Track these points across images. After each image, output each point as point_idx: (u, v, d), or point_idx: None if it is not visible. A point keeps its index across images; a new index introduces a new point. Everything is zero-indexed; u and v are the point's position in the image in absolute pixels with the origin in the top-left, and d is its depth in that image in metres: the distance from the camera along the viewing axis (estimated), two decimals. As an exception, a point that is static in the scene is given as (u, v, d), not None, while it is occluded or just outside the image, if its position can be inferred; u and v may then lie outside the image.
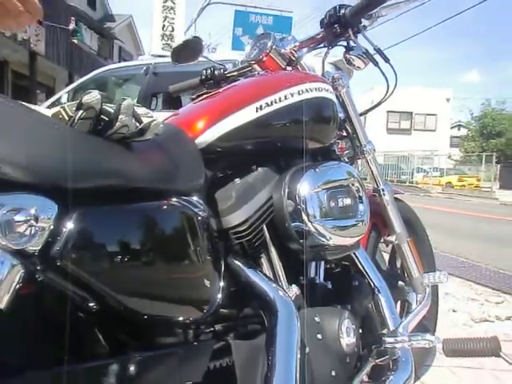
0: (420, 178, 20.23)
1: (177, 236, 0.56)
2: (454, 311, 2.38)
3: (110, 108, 0.50)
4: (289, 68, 1.15)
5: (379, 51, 1.12)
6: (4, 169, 0.39)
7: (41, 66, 8.28)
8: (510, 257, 4.27)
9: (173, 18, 10.72)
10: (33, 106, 0.52)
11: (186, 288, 0.58)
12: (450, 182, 19.56)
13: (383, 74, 1.17)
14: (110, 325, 0.51)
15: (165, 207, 0.56)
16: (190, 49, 1.36)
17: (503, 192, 16.56)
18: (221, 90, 0.91)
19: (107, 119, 0.50)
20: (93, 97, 0.49)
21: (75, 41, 9.57)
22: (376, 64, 1.13)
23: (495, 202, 12.89)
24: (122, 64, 4.61)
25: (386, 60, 1.13)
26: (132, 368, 0.51)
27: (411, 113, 23.96)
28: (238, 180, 0.81)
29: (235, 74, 1.28)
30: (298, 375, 0.65)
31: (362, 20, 1.04)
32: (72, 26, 8.58)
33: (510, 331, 2.10)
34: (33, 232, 0.38)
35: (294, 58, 1.16)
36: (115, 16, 16.77)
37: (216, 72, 1.31)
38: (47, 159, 0.44)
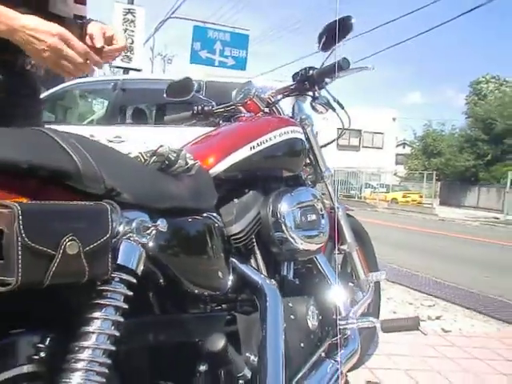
0: (368, 193, 21.19)
1: (207, 239, 0.85)
2: (394, 312, 2.76)
3: (172, 155, 0.78)
4: (266, 109, 1.46)
5: (336, 101, 1.46)
6: (123, 196, 0.66)
7: None
8: (443, 267, 4.81)
9: (132, 31, 10.76)
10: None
11: (211, 274, 0.86)
12: (395, 198, 20.66)
13: (339, 117, 1.51)
14: (173, 294, 0.78)
15: (201, 219, 0.84)
16: (182, 87, 1.64)
17: (442, 208, 17.83)
18: (222, 130, 1.21)
19: (171, 161, 0.78)
20: (164, 149, 0.77)
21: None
22: (334, 110, 1.47)
23: (435, 217, 13.89)
24: (91, 79, 4.75)
25: (342, 107, 1.48)
26: (176, 324, 0.78)
27: (360, 130, 25.16)
28: (236, 200, 1.10)
29: (222, 110, 1.57)
30: (282, 341, 0.95)
31: (325, 79, 1.38)
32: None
33: (437, 328, 2.52)
34: (147, 232, 0.65)
35: (271, 102, 1.47)
36: None
37: (205, 108, 1.59)
38: (142, 188, 0.70)
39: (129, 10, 10.53)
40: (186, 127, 2.40)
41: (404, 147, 34.13)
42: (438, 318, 2.75)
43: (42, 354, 0.58)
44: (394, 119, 27.99)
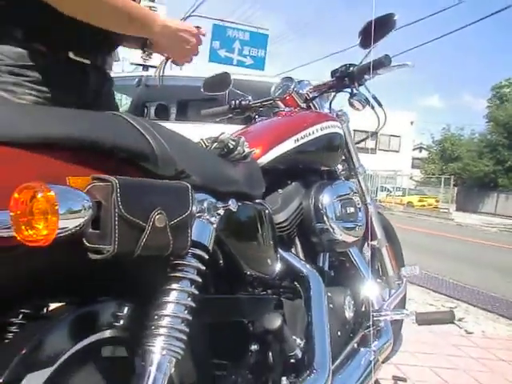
0: (383, 196, 21.05)
1: (262, 224, 0.88)
2: (416, 313, 2.77)
3: (232, 142, 0.82)
4: (304, 105, 1.50)
5: (375, 98, 1.49)
6: (192, 178, 0.70)
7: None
8: (462, 270, 4.78)
9: (153, 28, 10.84)
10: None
11: (263, 258, 0.90)
12: (411, 202, 20.50)
13: (376, 114, 1.53)
14: (229, 273, 0.82)
15: (256, 205, 0.88)
16: (219, 81, 1.68)
17: (459, 214, 17.62)
18: (267, 122, 1.25)
19: (230, 148, 0.82)
20: (224, 136, 0.81)
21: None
22: (372, 108, 1.50)
23: (452, 222, 13.74)
24: (114, 74, 4.82)
25: (380, 104, 1.50)
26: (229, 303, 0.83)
27: (376, 133, 25.00)
28: (280, 190, 1.14)
29: (258, 105, 1.61)
30: (328, 328, 0.99)
31: (365, 76, 1.41)
32: None
33: (460, 329, 2.52)
34: (217, 212, 0.69)
35: (308, 98, 1.51)
36: None
37: (243, 102, 1.63)
38: (207, 171, 0.75)
39: (150, 7, 10.62)
40: (208, 124, 2.46)
41: (421, 151, 33.79)
42: (460, 319, 2.74)
43: (123, 321, 0.62)
44: (411, 122, 27.74)
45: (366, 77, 1.43)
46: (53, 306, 0.65)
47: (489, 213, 20.85)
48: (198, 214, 0.67)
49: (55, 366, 0.55)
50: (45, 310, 0.66)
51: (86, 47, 0.99)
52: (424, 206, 20.08)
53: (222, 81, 1.67)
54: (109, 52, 1.07)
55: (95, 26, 0.91)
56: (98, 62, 1.02)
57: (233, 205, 0.70)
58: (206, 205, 0.68)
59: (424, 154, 31.99)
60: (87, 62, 0.99)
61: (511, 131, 22.42)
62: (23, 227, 0.46)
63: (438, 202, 20.88)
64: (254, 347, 0.85)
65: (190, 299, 0.63)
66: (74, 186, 0.54)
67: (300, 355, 0.88)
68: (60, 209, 0.46)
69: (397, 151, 27.15)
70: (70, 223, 0.48)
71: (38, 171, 0.52)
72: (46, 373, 0.54)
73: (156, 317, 0.61)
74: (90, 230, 0.53)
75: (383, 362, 1.38)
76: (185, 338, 0.61)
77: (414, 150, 31.89)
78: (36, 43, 0.91)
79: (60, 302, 0.63)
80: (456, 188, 22.63)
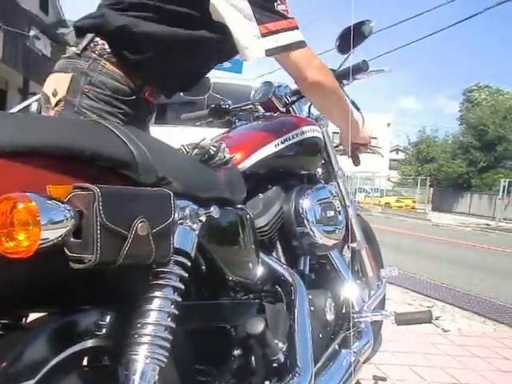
0: (362, 197, 21.33)
1: (243, 229, 0.89)
2: (395, 313, 2.82)
3: (213, 148, 0.83)
4: (283, 109, 1.51)
5: (353, 102, 1.51)
6: (173, 185, 0.70)
7: (-4, 68, 8.13)
8: (438, 270, 4.89)
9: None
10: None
11: (244, 263, 0.90)
12: (388, 203, 20.84)
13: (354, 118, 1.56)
14: (210, 279, 0.82)
15: (237, 210, 0.89)
16: (199, 85, 1.68)
17: (435, 214, 18.03)
18: (247, 127, 1.26)
19: (211, 154, 0.82)
20: (205, 142, 0.81)
21: (28, 43, 9.43)
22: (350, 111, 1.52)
23: (428, 222, 14.05)
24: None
25: (358, 109, 1.53)
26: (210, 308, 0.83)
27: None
28: (261, 195, 1.15)
29: (238, 109, 1.62)
30: (310, 331, 1.00)
31: (343, 81, 1.43)
32: (33, 32, 8.52)
33: (437, 328, 2.58)
34: (199, 218, 0.69)
35: (288, 102, 1.52)
36: (68, 22, 16.49)
37: (222, 106, 1.64)
38: (189, 178, 0.75)
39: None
40: (187, 127, 2.45)
41: (397, 153, 34.44)
42: (437, 318, 2.80)
43: (105, 330, 0.62)
44: (388, 124, 28.26)
45: (345, 82, 1.45)
46: (33, 315, 0.64)
47: (463, 212, 21.40)
48: (180, 221, 0.67)
49: (37, 377, 0.54)
50: (23, 321, 0.64)
51: (163, 92, 1.18)
52: (401, 206, 20.45)
53: (201, 84, 1.67)
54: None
55: (188, 81, 1.22)
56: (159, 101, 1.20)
57: (215, 211, 0.70)
58: (187, 212, 0.68)
59: (401, 155, 32.61)
60: (153, 101, 1.16)
61: (482, 134, 23.12)
62: (3, 239, 0.45)
63: (414, 202, 21.31)
64: (236, 352, 0.85)
65: (172, 306, 0.63)
66: (54, 194, 0.54)
67: (283, 359, 0.89)
68: (42, 219, 0.46)
69: (374, 153, 27.52)
70: (52, 234, 0.48)
71: (16, 179, 0.52)
72: (27, 385, 0.53)
73: (139, 325, 0.61)
74: (72, 239, 0.53)
75: (364, 363, 1.40)
76: (168, 345, 0.61)
77: (391, 151, 32.48)
78: (132, 81, 1.06)
79: (41, 311, 0.62)
80: (432, 189, 23.16)
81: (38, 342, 0.56)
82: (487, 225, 14.31)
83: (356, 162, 1.52)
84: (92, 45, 1.06)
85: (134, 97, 1.08)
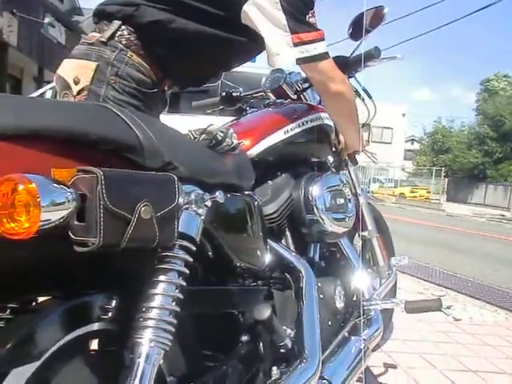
0: (376, 188, 21.16)
1: (251, 216, 0.88)
2: (406, 302, 2.80)
3: (220, 134, 0.82)
4: (295, 96, 1.49)
5: (365, 90, 1.48)
6: (179, 170, 0.69)
7: (11, 57, 8.18)
8: (451, 260, 4.84)
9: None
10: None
11: (252, 250, 0.90)
12: (403, 193, 20.63)
13: (366, 106, 1.53)
14: (218, 265, 0.82)
15: (245, 197, 0.88)
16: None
17: (449, 204, 17.81)
18: (257, 114, 1.25)
19: (219, 140, 0.81)
20: (213, 128, 0.80)
21: (42, 31, 9.45)
22: (362, 100, 1.49)
23: (442, 213, 13.88)
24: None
25: (370, 97, 1.50)
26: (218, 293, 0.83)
27: (369, 125, 25.05)
28: (270, 182, 1.14)
29: (249, 97, 1.60)
30: (318, 318, 0.99)
31: (355, 68, 1.40)
32: (47, 19, 8.54)
33: (448, 316, 2.56)
34: (205, 203, 0.69)
35: (299, 90, 1.50)
36: (83, 10, 16.50)
37: (233, 94, 1.62)
38: (195, 163, 0.74)
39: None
40: (199, 115, 2.44)
41: (413, 143, 33.97)
42: (448, 307, 2.77)
43: (110, 314, 0.62)
44: (403, 115, 27.82)
45: (357, 69, 1.42)
46: (41, 299, 0.64)
47: (478, 203, 21.09)
48: (185, 206, 0.66)
49: (42, 359, 0.54)
50: (33, 304, 0.65)
51: (180, 85, 1.24)
52: (416, 197, 20.24)
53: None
54: None
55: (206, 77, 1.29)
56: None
57: (220, 196, 0.69)
58: (193, 196, 0.67)
59: (416, 145, 32.17)
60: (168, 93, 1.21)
61: (499, 124, 22.64)
62: (4, 220, 0.45)
63: (429, 193, 21.05)
64: (244, 338, 0.85)
65: (177, 291, 0.63)
66: (58, 178, 0.53)
67: (290, 345, 0.89)
68: (42, 201, 0.46)
69: (389, 143, 27.24)
70: (53, 215, 0.48)
71: (21, 163, 0.51)
72: (33, 367, 0.54)
73: (144, 309, 0.61)
74: (75, 222, 0.52)
75: (373, 351, 1.39)
76: (173, 329, 0.61)
77: (406, 141, 32.03)
78: (155, 74, 1.09)
79: (47, 295, 0.63)
80: (446, 179, 22.84)
81: (44, 325, 0.57)
82: (502, 215, 14.09)
83: (354, 162, 1.56)
84: (118, 33, 1.06)
85: (155, 89, 1.10)
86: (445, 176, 21.65)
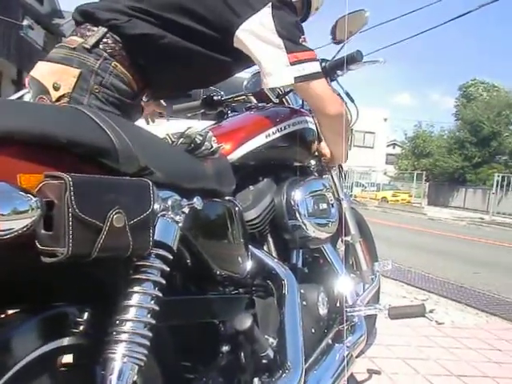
0: (358, 192, 21.35)
1: (231, 222, 0.86)
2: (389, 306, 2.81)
3: (199, 137, 0.79)
4: (276, 100, 1.47)
5: (347, 94, 1.48)
6: (155, 175, 0.66)
7: (-12, 60, 8.00)
8: (434, 263, 4.89)
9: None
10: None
11: (233, 257, 0.87)
12: (385, 197, 20.86)
13: (348, 110, 1.52)
14: (197, 273, 0.79)
15: (225, 202, 0.85)
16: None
17: (430, 208, 18.07)
18: (238, 118, 1.23)
19: (198, 144, 0.79)
20: (191, 131, 0.77)
21: (21, 33, 9.27)
22: (345, 103, 1.48)
23: (424, 216, 14.07)
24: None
25: (352, 100, 1.49)
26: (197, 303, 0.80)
27: (351, 129, 25.29)
28: (251, 187, 1.12)
29: (231, 100, 1.58)
30: (301, 326, 0.97)
31: (337, 72, 1.39)
32: (26, 22, 8.38)
33: (430, 320, 2.57)
34: (182, 210, 0.66)
35: (281, 93, 1.48)
36: (64, 13, 16.26)
37: (215, 97, 1.60)
38: (172, 168, 0.71)
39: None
40: (181, 119, 2.41)
41: (394, 147, 34.44)
42: (431, 311, 2.79)
43: (82, 328, 0.58)
44: (385, 119, 28.21)
45: (339, 72, 1.42)
46: (8, 312, 0.61)
47: (458, 207, 21.45)
48: (161, 213, 0.64)
49: (7, 376, 0.51)
50: None
51: (158, 95, 1.29)
52: (398, 201, 20.48)
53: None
54: None
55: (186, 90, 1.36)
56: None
57: (198, 202, 0.67)
58: (170, 203, 0.64)
59: (397, 150, 32.60)
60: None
61: (478, 129, 23.14)
62: (-39, 230, 0.42)
63: (410, 196, 21.34)
64: (224, 348, 0.82)
65: (153, 302, 0.60)
66: (25, 183, 0.50)
67: (272, 355, 0.86)
68: (2, 209, 0.43)
69: (371, 147, 27.55)
70: (15, 224, 0.45)
71: None
72: (-4, 386, 0.50)
73: (117, 322, 0.58)
74: (42, 231, 0.49)
75: (357, 357, 1.38)
76: (148, 343, 0.58)
77: (387, 146, 32.45)
78: (136, 84, 1.09)
79: (13, 308, 0.59)
80: (428, 183, 23.20)
81: (11, 339, 0.53)
82: (481, 219, 14.34)
83: (340, 171, 1.65)
84: (103, 41, 1.04)
85: (134, 99, 1.11)
86: (426, 180, 21.99)
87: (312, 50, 1.11)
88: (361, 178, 22.87)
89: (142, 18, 1.05)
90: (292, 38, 1.07)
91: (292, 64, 1.06)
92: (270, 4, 1.06)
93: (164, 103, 1.57)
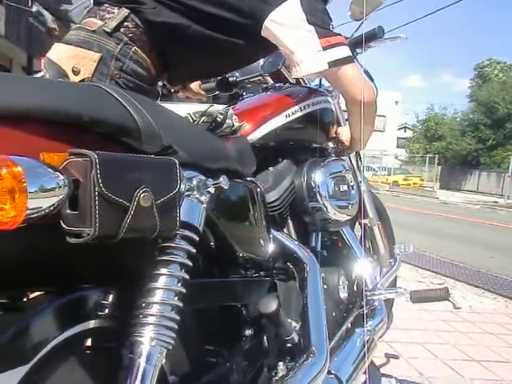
0: (369, 176, 21.22)
1: (254, 203, 0.84)
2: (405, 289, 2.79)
3: (220, 116, 0.77)
4: (293, 80, 1.43)
5: (366, 72, 1.43)
6: (179, 154, 0.64)
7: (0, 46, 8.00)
8: (449, 247, 4.84)
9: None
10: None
11: (255, 239, 0.85)
12: (396, 181, 20.69)
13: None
14: (219, 255, 0.78)
15: (247, 183, 0.83)
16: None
17: (443, 192, 17.89)
18: (257, 97, 1.20)
19: (219, 122, 0.76)
20: (213, 109, 0.75)
21: (31, 19, 9.24)
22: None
23: (436, 200, 13.94)
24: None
25: (371, 79, 1.45)
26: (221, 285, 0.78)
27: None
28: (271, 168, 1.09)
29: (246, 81, 1.54)
30: (324, 309, 0.95)
31: (356, 49, 1.35)
32: (35, 7, 8.33)
33: (448, 304, 2.55)
34: (208, 190, 0.64)
35: (298, 73, 1.44)
36: (72, -2, 16.17)
37: (230, 79, 1.56)
38: (196, 147, 0.69)
39: None
40: (194, 103, 2.38)
41: (405, 131, 33.96)
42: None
43: (108, 310, 0.57)
44: (396, 102, 27.80)
45: (358, 50, 1.37)
46: (32, 295, 0.60)
47: (471, 190, 21.19)
48: (186, 193, 0.61)
49: (34, 361, 0.50)
50: (24, 300, 0.60)
51: (176, 81, 1.26)
52: (409, 185, 20.30)
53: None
54: None
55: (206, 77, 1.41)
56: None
57: (224, 182, 0.64)
58: (195, 182, 0.62)
59: (409, 133, 32.16)
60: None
61: (493, 111, 22.65)
62: (-13, 209, 0.40)
63: (422, 180, 21.13)
64: (248, 332, 0.81)
65: (180, 284, 0.58)
66: (48, 162, 0.48)
67: (297, 339, 0.85)
68: (29, 186, 0.41)
69: (382, 131, 27.24)
70: (42, 203, 0.43)
71: (7, 146, 0.46)
72: (24, 368, 0.49)
73: (144, 304, 0.56)
74: (68, 211, 0.47)
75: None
76: (176, 326, 0.57)
77: (398, 129, 32.03)
78: (155, 69, 1.08)
79: (39, 291, 0.58)
80: (440, 167, 22.89)
81: (35, 323, 0.52)
82: (495, 202, 14.17)
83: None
84: (125, 24, 1.02)
85: (152, 85, 1.11)
86: (438, 163, 21.70)
87: (341, 35, 1.10)
88: (372, 162, 22.67)
89: (168, 6, 1.03)
90: (322, 24, 1.06)
91: (324, 49, 1.04)
92: None
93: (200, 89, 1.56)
